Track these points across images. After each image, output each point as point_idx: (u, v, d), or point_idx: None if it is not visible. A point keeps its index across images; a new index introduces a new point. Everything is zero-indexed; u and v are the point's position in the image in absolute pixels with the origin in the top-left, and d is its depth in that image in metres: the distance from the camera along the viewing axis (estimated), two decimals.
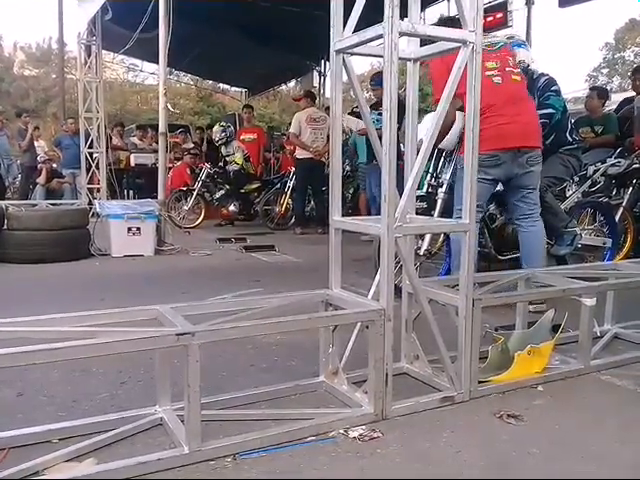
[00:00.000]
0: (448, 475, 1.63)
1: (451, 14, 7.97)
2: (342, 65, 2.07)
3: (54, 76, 25.80)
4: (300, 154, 7.47)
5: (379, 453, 1.73)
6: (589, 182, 4.58)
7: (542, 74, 3.80)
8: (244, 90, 14.90)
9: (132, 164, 10.10)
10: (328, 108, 6.45)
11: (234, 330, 1.75)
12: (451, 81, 1.99)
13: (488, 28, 6.79)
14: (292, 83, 16.21)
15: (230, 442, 1.72)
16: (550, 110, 3.65)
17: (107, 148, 8.81)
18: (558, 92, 3.85)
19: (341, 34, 2.03)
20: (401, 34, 1.83)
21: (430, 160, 3.52)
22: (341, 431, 1.84)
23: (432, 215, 3.40)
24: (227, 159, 8.13)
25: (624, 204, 4.65)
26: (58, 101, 16.87)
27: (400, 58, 1.92)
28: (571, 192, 4.37)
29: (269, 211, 8.01)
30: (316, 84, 12.00)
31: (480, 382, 2.16)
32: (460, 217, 3.20)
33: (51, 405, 2.05)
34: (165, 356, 1.88)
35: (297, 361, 2.51)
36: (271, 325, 1.84)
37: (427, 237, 3.55)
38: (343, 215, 2.21)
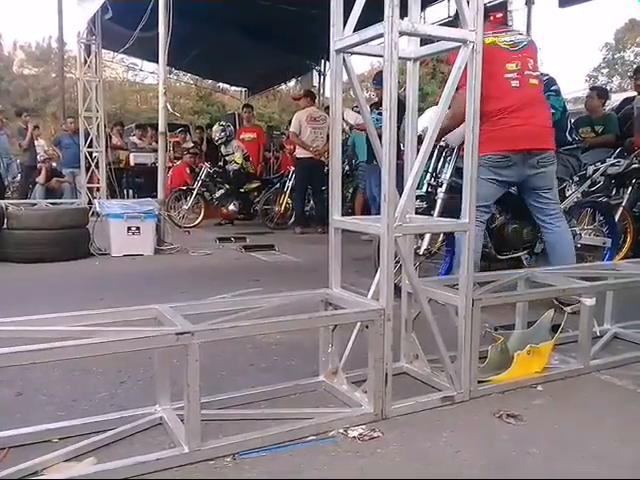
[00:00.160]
0: (448, 475, 1.63)
1: (451, 14, 8.01)
2: (342, 64, 2.07)
3: (54, 75, 25.80)
4: (300, 153, 7.47)
5: (379, 453, 1.72)
6: (589, 182, 4.58)
7: (542, 74, 3.80)
8: (244, 89, 14.90)
9: (132, 163, 10.11)
10: (328, 108, 6.46)
11: (234, 330, 1.74)
12: (451, 81, 1.99)
13: None
14: (292, 83, 16.21)
15: (230, 442, 1.72)
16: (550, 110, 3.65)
17: (107, 147, 8.81)
18: (558, 92, 3.86)
19: (341, 33, 2.03)
20: (401, 33, 1.83)
21: (430, 160, 3.52)
22: (341, 431, 1.84)
23: (432, 215, 3.40)
24: (227, 158, 8.13)
25: (624, 204, 4.65)
26: (58, 100, 16.86)
27: (400, 57, 1.92)
28: (570, 192, 4.36)
29: (269, 210, 8.01)
30: (316, 84, 12.00)
31: (480, 382, 2.16)
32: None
33: (50, 404, 2.05)
34: (164, 355, 1.88)
35: (297, 361, 2.50)
36: (271, 325, 1.84)
37: (427, 237, 3.55)
38: (343, 215, 2.21)
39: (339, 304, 2.10)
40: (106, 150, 8.73)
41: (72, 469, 1.59)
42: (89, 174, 8.76)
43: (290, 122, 8.05)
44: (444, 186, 3.53)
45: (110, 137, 9.43)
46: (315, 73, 12.08)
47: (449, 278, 2.71)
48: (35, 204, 6.25)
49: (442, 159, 3.64)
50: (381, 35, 1.83)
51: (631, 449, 1.77)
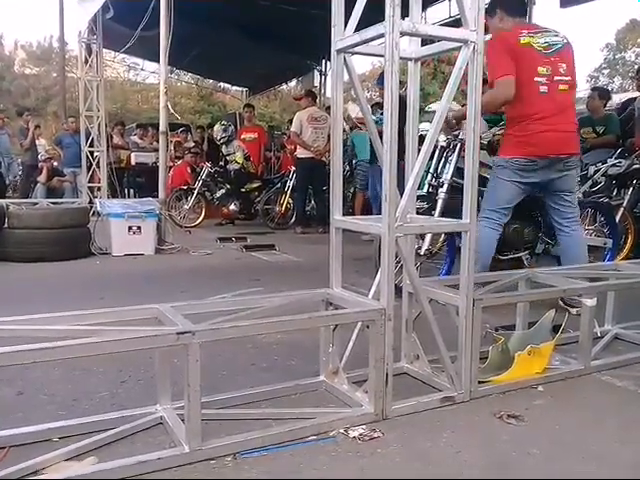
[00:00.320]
0: (448, 475, 1.63)
1: (452, 14, 8.00)
2: (343, 64, 2.07)
3: (55, 75, 25.81)
4: (301, 153, 7.47)
5: (379, 453, 1.72)
6: (590, 182, 4.58)
7: None
8: (245, 89, 14.91)
9: (133, 163, 10.11)
10: (329, 107, 6.46)
11: (234, 329, 1.74)
12: (452, 81, 1.98)
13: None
14: (293, 83, 16.20)
15: (230, 441, 1.72)
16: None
17: (108, 147, 8.82)
18: None
19: (342, 33, 2.03)
20: (402, 33, 1.83)
21: (431, 160, 3.52)
22: (341, 431, 1.84)
23: (433, 215, 3.40)
24: (228, 158, 8.13)
25: (624, 204, 4.65)
26: (59, 100, 16.90)
27: (401, 57, 1.92)
28: None
29: (269, 210, 8.01)
30: (317, 84, 12.00)
31: (480, 382, 2.16)
32: (491, 218, 3.21)
33: (51, 404, 2.05)
34: (165, 355, 1.88)
35: (297, 360, 2.50)
36: (271, 324, 1.84)
37: (428, 237, 3.55)
38: (343, 214, 2.21)
39: (340, 304, 2.10)
40: (107, 149, 8.74)
41: (72, 468, 1.59)
42: (90, 173, 8.76)
43: (291, 122, 8.05)
44: (445, 186, 3.53)
45: (111, 136, 9.43)
46: (316, 73, 12.08)
47: (450, 278, 2.71)
48: (36, 203, 6.26)
49: (443, 159, 3.64)
50: (382, 35, 1.83)
51: (631, 450, 1.77)
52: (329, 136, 6.62)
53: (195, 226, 7.74)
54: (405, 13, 1.94)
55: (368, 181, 7.27)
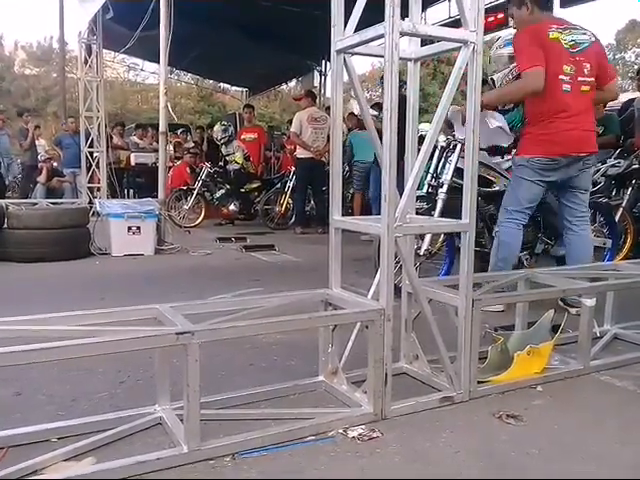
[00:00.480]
0: (447, 475, 1.63)
1: (452, 15, 8.01)
2: (343, 65, 2.07)
3: (55, 75, 25.82)
4: (301, 153, 7.48)
5: (378, 453, 1.72)
6: None
7: None
8: (245, 90, 14.91)
9: (132, 163, 10.12)
10: (329, 108, 6.46)
11: (234, 329, 1.75)
12: (452, 82, 1.98)
13: (488, 29, 6.80)
14: (293, 83, 16.22)
15: (229, 441, 1.72)
16: None
17: (107, 147, 8.81)
18: None
19: (342, 34, 2.03)
20: (402, 34, 1.83)
21: (430, 160, 3.52)
22: (340, 431, 1.84)
23: (432, 215, 3.40)
24: (227, 158, 8.13)
25: (624, 205, 4.65)
26: (59, 100, 16.91)
27: (401, 58, 1.92)
28: None
29: (269, 210, 8.01)
30: (317, 84, 12.00)
31: (479, 382, 2.16)
32: (516, 219, 3.20)
33: (50, 404, 2.05)
34: (164, 355, 1.88)
35: (296, 361, 2.50)
36: (271, 324, 1.84)
37: (427, 237, 3.55)
38: (343, 215, 2.21)
39: (339, 304, 2.10)
40: (107, 150, 8.73)
41: (71, 469, 1.59)
42: (90, 174, 8.77)
43: (291, 122, 8.05)
44: (445, 187, 3.53)
45: (111, 137, 9.43)
46: (316, 73, 12.07)
47: (449, 278, 2.71)
48: (36, 204, 6.26)
49: (443, 160, 3.64)
50: (382, 36, 1.83)
51: (631, 450, 1.77)
52: (329, 136, 6.63)
53: (195, 226, 7.74)
54: (405, 13, 1.94)
55: (366, 182, 7.29)
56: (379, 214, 1.97)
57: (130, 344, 1.61)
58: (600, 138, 5.57)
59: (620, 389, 2.26)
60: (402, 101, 1.88)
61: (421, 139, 2.11)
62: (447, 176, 3.55)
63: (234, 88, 16.88)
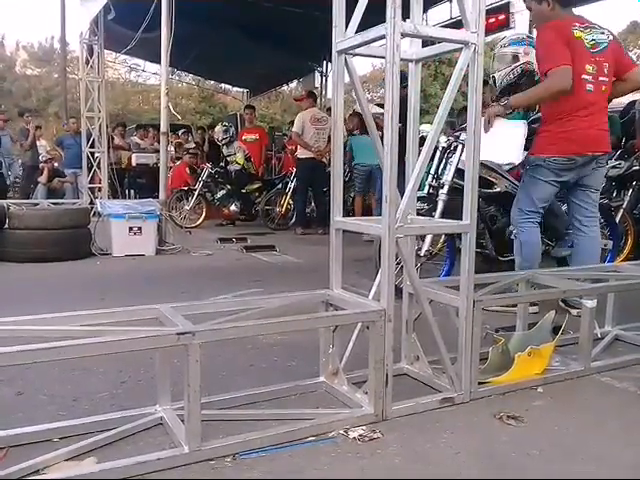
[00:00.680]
0: (447, 476, 1.63)
1: (453, 15, 8.02)
2: (344, 66, 2.07)
3: (56, 76, 25.84)
4: (302, 154, 7.48)
5: (379, 453, 1.73)
6: None
7: None
8: (246, 90, 14.93)
9: (133, 164, 10.12)
10: (330, 109, 6.47)
11: (234, 330, 1.75)
12: (453, 83, 1.99)
13: (489, 30, 6.81)
14: (294, 84, 16.21)
15: (230, 442, 1.72)
16: None
17: (109, 148, 8.82)
18: None
19: (343, 34, 2.03)
20: (403, 35, 1.83)
21: (431, 161, 3.52)
22: (341, 431, 1.84)
23: (433, 216, 3.40)
24: (228, 159, 8.14)
25: (624, 206, 4.65)
26: (60, 101, 16.93)
27: (402, 59, 1.92)
28: None
29: (270, 211, 8.01)
30: (318, 85, 12.01)
31: (480, 383, 2.16)
32: (533, 218, 3.19)
33: (51, 404, 2.05)
34: (165, 356, 1.88)
35: (297, 361, 2.51)
36: (271, 325, 1.85)
37: (428, 238, 3.55)
38: (344, 216, 2.21)
39: (340, 305, 2.10)
40: (108, 150, 8.74)
41: (73, 468, 1.59)
42: (91, 174, 8.77)
43: (292, 123, 8.05)
44: (445, 187, 3.53)
45: (112, 137, 9.43)
46: (317, 74, 12.09)
47: (450, 279, 2.71)
48: (37, 204, 6.26)
49: (444, 160, 3.64)
50: (383, 36, 1.83)
51: (632, 451, 1.77)
52: (329, 137, 6.63)
53: (196, 227, 7.74)
54: (406, 14, 1.94)
55: (367, 185, 7.29)
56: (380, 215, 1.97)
57: (131, 344, 1.61)
58: None
59: (621, 390, 2.26)
60: (403, 101, 1.88)
61: (422, 140, 2.11)
62: (448, 177, 3.55)
63: (235, 89, 16.92)
